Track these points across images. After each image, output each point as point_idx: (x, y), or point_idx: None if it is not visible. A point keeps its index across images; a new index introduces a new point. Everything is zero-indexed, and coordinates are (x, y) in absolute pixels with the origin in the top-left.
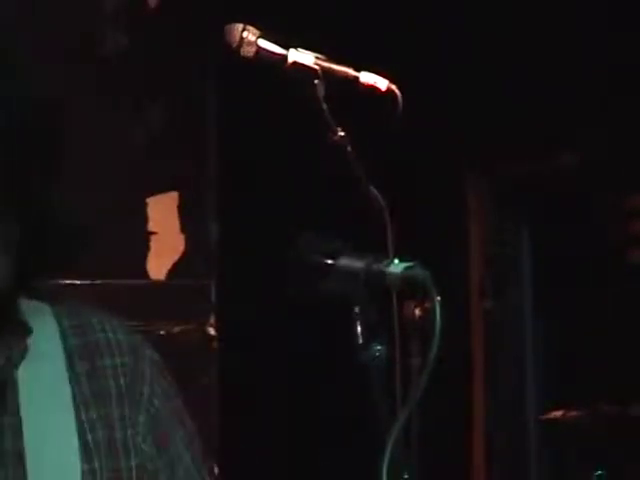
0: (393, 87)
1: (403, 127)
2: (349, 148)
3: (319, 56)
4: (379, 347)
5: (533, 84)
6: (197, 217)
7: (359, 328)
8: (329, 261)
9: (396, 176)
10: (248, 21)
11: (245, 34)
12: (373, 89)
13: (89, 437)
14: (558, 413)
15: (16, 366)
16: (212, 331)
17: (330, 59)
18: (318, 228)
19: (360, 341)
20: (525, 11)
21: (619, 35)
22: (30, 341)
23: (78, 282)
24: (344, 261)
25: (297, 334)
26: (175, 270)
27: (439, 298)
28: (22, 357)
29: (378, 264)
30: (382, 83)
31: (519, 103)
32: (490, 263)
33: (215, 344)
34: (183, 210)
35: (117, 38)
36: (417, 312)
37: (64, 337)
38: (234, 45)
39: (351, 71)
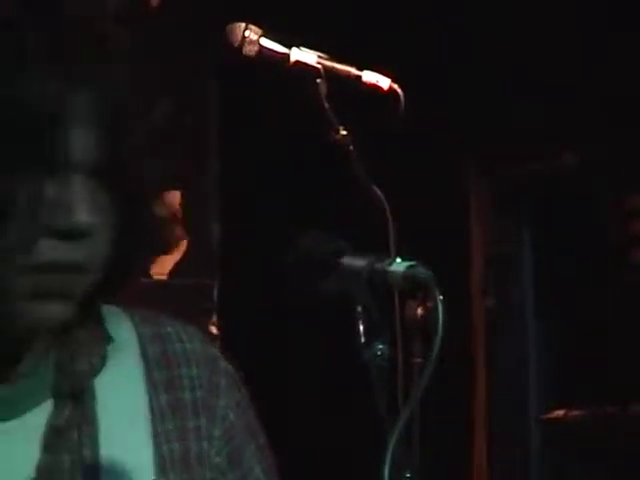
0: (395, 86)
1: (404, 127)
2: (351, 147)
3: (321, 55)
4: (381, 346)
5: (533, 84)
6: (199, 217)
7: (361, 327)
8: (331, 260)
9: (397, 175)
10: (249, 21)
11: (247, 33)
12: (375, 88)
13: (164, 448)
14: (560, 412)
15: (96, 374)
16: (214, 330)
17: (332, 58)
18: (320, 228)
19: (362, 340)
20: (525, 11)
21: (619, 35)
22: (110, 348)
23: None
24: (346, 260)
25: (299, 333)
26: (177, 270)
27: (441, 297)
28: (102, 364)
29: (380, 263)
30: (384, 82)
31: (519, 103)
32: (491, 263)
33: (217, 344)
34: (185, 210)
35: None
36: (419, 311)
37: (142, 345)
38: (236, 44)
39: (353, 70)
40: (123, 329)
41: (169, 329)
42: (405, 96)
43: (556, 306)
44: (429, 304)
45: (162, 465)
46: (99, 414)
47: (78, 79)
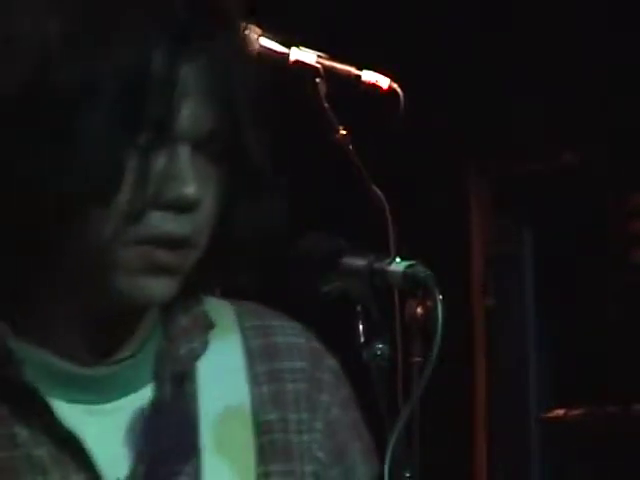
0: (395, 86)
1: (404, 127)
2: (350, 147)
3: (321, 55)
4: (381, 346)
5: (533, 84)
6: None
7: (361, 327)
8: (330, 260)
9: (397, 175)
10: (248, 20)
11: (246, 32)
12: (375, 88)
13: (265, 438)
14: (560, 412)
15: (197, 358)
16: None
17: (332, 58)
18: (320, 227)
19: (362, 340)
20: (525, 11)
21: (619, 35)
22: (211, 335)
23: None
24: (346, 260)
25: None
26: None
27: (441, 297)
28: (204, 350)
29: (380, 263)
30: (384, 82)
31: (519, 103)
32: (491, 262)
33: None
34: None
35: None
36: (419, 311)
37: (245, 336)
38: None
39: (353, 70)
40: (225, 319)
41: (273, 322)
42: (405, 96)
43: (556, 306)
44: (429, 304)
45: (264, 455)
46: (200, 400)
47: (190, 48)
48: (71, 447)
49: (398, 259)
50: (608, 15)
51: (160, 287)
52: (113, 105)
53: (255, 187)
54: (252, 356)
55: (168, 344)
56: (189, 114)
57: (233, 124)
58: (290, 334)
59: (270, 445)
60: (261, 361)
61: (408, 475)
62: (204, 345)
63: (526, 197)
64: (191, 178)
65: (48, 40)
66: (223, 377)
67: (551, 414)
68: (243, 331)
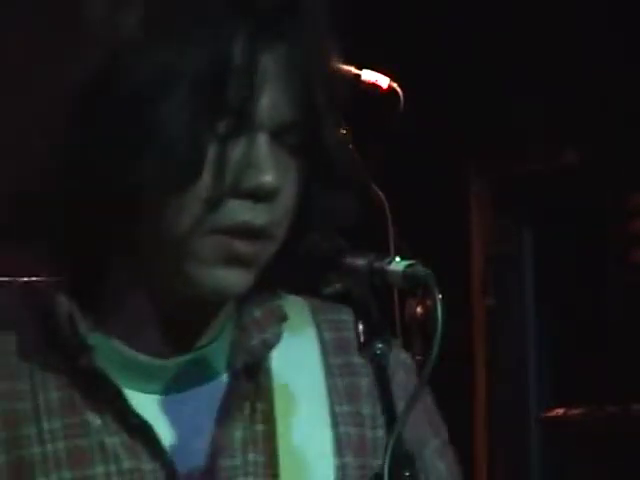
0: (394, 85)
1: (404, 126)
2: (350, 146)
3: None
4: (380, 345)
5: (533, 84)
6: None
7: (360, 326)
8: (330, 259)
9: (397, 175)
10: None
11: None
12: (374, 87)
13: (341, 430)
14: (559, 411)
15: (269, 349)
16: None
17: None
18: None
19: (361, 339)
20: (525, 11)
21: (619, 35)
22: (285, 328)
23: None
24: (345, 259)
25: None
26: None
27: (441, 296)
28: (277, 341)
29: (379, 262)
30: (383, 81)
31: (519, 103)
32: (491, 262)
33: None
34: None
35: None
36: (419, 310)
37: (318, 330)
38: None
39: (352, 69)
40: (299, 313)
41: (346, 317)
42: (405, 96)
43: (556, 306)
44: (429, 303)
45: (339, 447)
46: (274, 391)
47: (270, 36)
48: (143, 436)
49: (398, 259)
50: (608, 15)
51: (235, 279)
52: (193, 93)
53: (333, 179)
54: (326, 349)
55: (241, 335)
56: (268, 103)
57: (312, 115)
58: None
59: (345, 437)
60: (335, 354)
61: (408, 474)
62: (277, 336)
63: (526, 197)
64: (270, 166)
65: (128, 29)
66: (299, 368)
67: (551, 414)
68: (318, 325)
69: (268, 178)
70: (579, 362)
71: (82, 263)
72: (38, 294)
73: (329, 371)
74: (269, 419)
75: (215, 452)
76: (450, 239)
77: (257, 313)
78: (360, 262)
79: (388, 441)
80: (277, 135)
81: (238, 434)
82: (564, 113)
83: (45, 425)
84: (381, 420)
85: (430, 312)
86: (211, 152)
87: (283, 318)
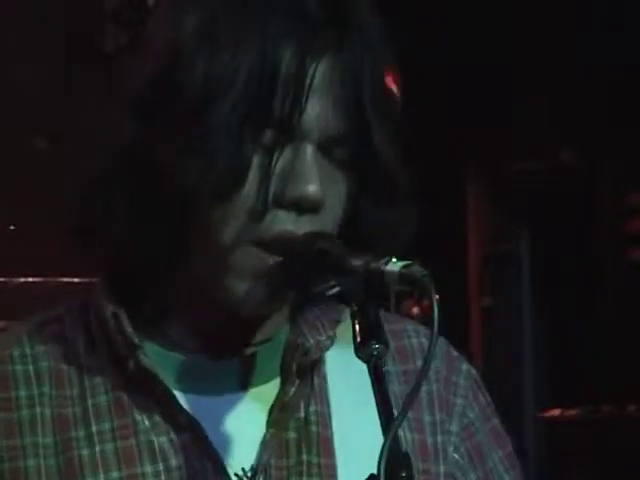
0: (393, 86)
1: (403, 126)
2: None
3: None
4: (377, 346)
5: (533, 84)
6: None
7: (357, 327)
8: (327, 260)
9: None
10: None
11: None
12: None
13: (400, 435)
14: (556, 412)
15: (323, 351)
16: None
17: None
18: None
19: (358, 340)
20: (525, 11)
21: (619, 35)
22: (338, 330)
23: (77, 280)
24: (342, 260)
25: None
26: None
27: (438, 296)
28: (330, 343)
29: (376, 262)
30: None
31: (519, 103)
32: (489, 262)
33: None
34: None
35: (117, 36)
36: (415, 310)
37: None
38: None
39: None
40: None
41: (407, 326)
42: (405, 95)
43: (553, 305)
44: (425, 303)
45: None
46: (330, 394)
47: (321, 47)
48: (192, 435)
49: (395, 259)
50: (608, 15)
51: (270, 295)
52: (241, 101)
53: (386, 190)
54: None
55: (295, 337)
56: (316, 114)
57: (362, 128)
58: (423, 336)
59: (406, 442)
60: (393, 363)
61: (404, 475)
62: (331, 339)
63: (524, 196)
64: (314, 177)
65: (182, 37)
66: (353, 374)
67: (547, 414)
68: None
69: (312, 188)
70: (576, 362)
71: (129, 267)
72: (83, 298)
73: (387, 377)
74: (325, 421)
75: (267, 452)
76: (447, 239)
77: (311, 316)
78: (357, 262)
79: (384, 441)
80: (324, 147)
81: (292, 435)
82: (564, 113)
83: (94, 428)
84: (440, 427)
85: (427, 312)
86: (256, 161)
87: (337, 321)
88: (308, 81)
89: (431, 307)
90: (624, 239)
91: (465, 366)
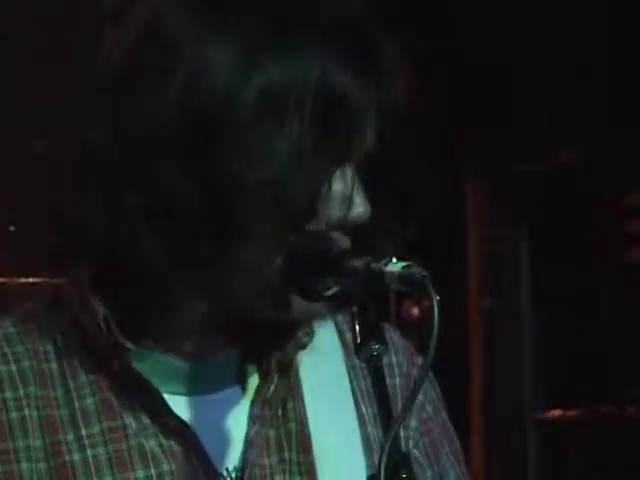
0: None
1: (402, 126)
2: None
3: None
4: (377, 346)
5: (533, 84)
6: None
7: (357, 327)
8: (328, 260)
9: None
10: None
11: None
12: None
13: (369, 431)
14: (556, 413)
15: (301, 348)
16: None
17: None
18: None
19: (358, 340)
20: (525, 11)
21: (619, 35)
22: (310, 331)
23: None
24: (342, 260)
25: None
26: None
27: (437, 297)
28: (309, 341)
29: (376, 263)
30: None
31: (519, 103)
32: (488, 262)
33: None
34: None
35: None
36: (415, 311)
37: (339, 332)
38: None
39: None
40: None
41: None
42: (404, 95)
43: (553, 306)
44: (425, 304)
45: (368, 447)
46: (305, 394)
47: (384, 78)
48: (181, 437)
49: (395, 260)
50: (608, 15)
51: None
52: (308, 125)
53: (400, 194)
54: (348, 350)
55: (272, 336)
56: (363, 137)
57: (387, 140)
58: (392, 332)
59: (375, 438)
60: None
61: (404, 476)
62: (309, 335)
63: (524, 197)
64: (363, 199)
65: (226, 65)
66: (324, 369)
67: (547, 415)
68: (337, 326)
69: (361, 210)
70: (575, 363)
71: (116, 273)
72: (64, 296)
73: (353, 371)
74: (302, 418)
75: (251, 451)
76: (446, 239)
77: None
78: (357, 263)
79: (384, 441)
80: (364, 169)
81: (272, 433)
82: (564, 113)
83: (84, 431)
84: (403, 422)
85: (426, 313)
86: (307, 187)
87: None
88: (368, 108)
89: (431, 307)
90: (624, 239)
91: (419, 359)
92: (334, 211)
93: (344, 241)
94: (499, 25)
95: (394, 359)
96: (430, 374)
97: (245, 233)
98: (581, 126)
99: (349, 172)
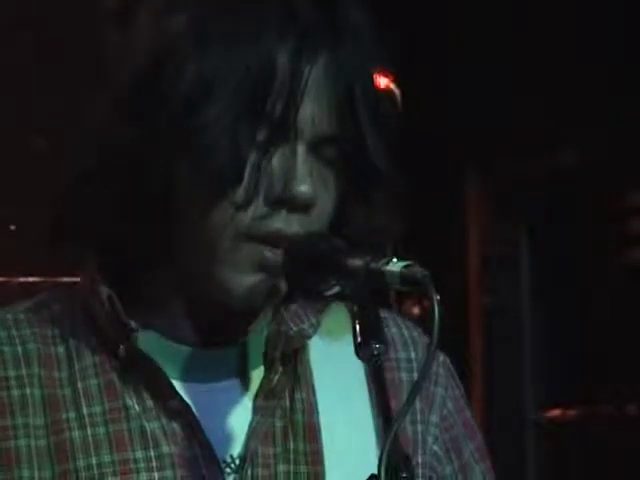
0: (392, 86)
1: (402, 126)
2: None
3: None
4: (377, 346)
5: (533, 84)
6: None
7: (358, 327)
8: (328, 260)
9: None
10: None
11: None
12: None
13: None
14: (556, 412)
15: (306, 339)
16: None
17: None
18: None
19: (359, 340)
20: (525, 11)
21: (619, 35)
22: (321, 318)
23: (77, 280)
24: (343, 260)
25: None
26: None
27: (438, 297)
28: (313, 332)
29: (377, 263)
30: (381, 81)
31: (519, 103)
32: (488, 262)
33: None
34: None
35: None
36: (416, 311)
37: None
38: None
39: None
40: (336, 312)
41: (385, 315)
42: (404, 95)
43: (553, 306)
44: (426, 304)
45: (379, 435)
46: (315, 381)
47: (314, 48)
48: (183, 421)
49: (395, 259)
50: (608, 14)
51: (262, 287)
52: (236, 100)
53: (374, 190)
54: None
55: (278, 326)
56: (309, 114)
57: (355, 127)
58: (403, 327)
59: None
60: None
61: (404, 476)
62: (314, 327)
63: (524, 197)
64: (306, 177)
65: (173, 36)
66: (338, 363)
67: (547, 414)
68: (353, 318)
69: (304, 188)
70: (575, 363)
71: (121, 259)
72: (77, 286)
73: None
74: (312, 409)
75: (254, 440)
76: (447, 239)
77: (294, 305)
78: (358, 263)
79: (384, 442)
80: (316, 147)
81: (278, 422)
82: (563, 113)
83: (85, 410)
84: (420, 416)
85: (427, 313)
86: (250, 159)
87: (320, 310)
88: (302, 82)
89: (431, 307)
90: (624, 239)
91: (442, 356)
92: (274, 187)
93: (289, 220)
94: (499, 25)
95: (413, 355)
96: (453, 370)
97: (185, 193)
98: (581, 126)
99: (299, 151)
